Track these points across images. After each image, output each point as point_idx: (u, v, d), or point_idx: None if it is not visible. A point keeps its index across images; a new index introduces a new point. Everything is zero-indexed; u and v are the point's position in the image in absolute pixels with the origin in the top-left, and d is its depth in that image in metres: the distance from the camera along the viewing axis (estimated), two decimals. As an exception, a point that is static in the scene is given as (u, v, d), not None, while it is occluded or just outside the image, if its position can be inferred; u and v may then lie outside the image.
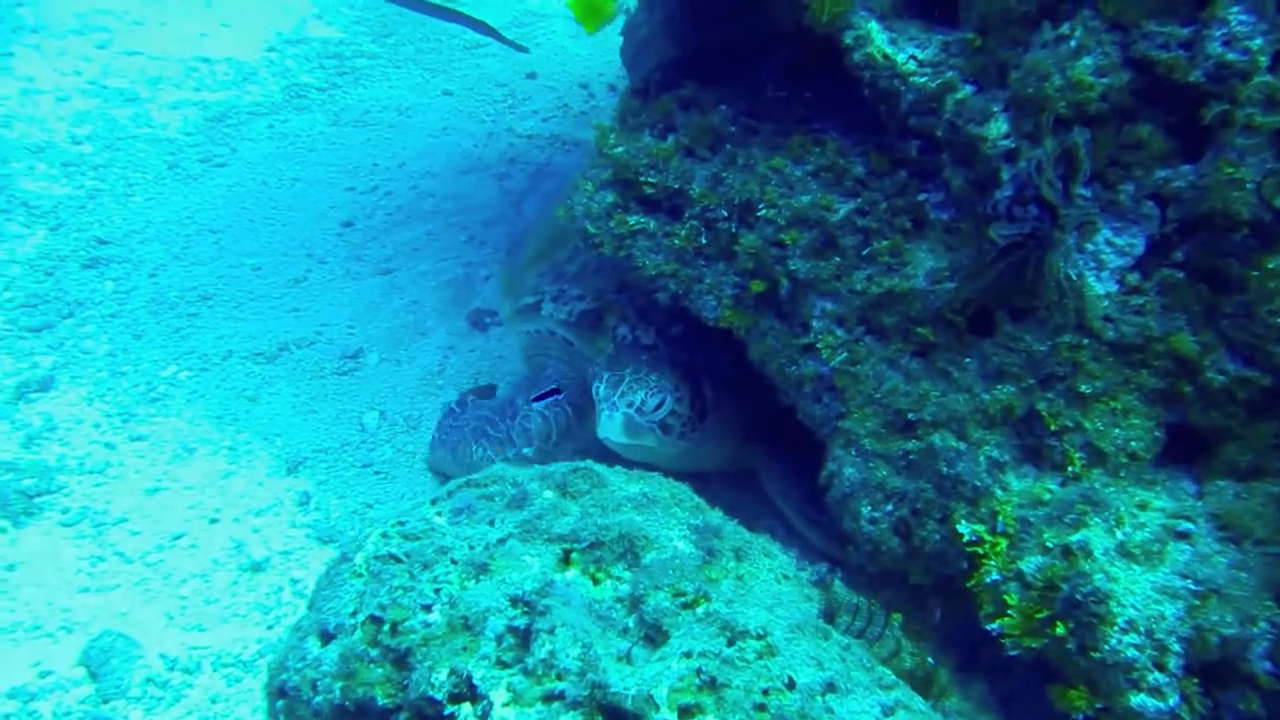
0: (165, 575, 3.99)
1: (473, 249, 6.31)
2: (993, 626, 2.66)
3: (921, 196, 3.10)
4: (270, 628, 3.81)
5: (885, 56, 2.96)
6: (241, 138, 7.52)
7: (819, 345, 3.26)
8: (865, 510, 3.04)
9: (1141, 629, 2.50)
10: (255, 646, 3.71)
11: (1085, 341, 2.80)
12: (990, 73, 2.84)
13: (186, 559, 4.07)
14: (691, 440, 3.92)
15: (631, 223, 3.66)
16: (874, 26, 2.97)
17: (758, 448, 4.17)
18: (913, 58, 2.94)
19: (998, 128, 2.80)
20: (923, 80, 2.92)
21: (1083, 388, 2.82)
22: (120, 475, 4.43)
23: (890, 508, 3.00)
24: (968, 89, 2.87)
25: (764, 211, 3.34)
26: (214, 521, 4.26)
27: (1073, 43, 2.61)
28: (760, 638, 2.46)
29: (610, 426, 3.80)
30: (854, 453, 3.13)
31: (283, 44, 8.96)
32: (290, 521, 4.30)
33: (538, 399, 4.41)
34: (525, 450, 4.36)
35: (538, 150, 7.63)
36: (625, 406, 3.79)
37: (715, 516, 2.98)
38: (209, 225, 6.42)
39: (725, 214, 3.48)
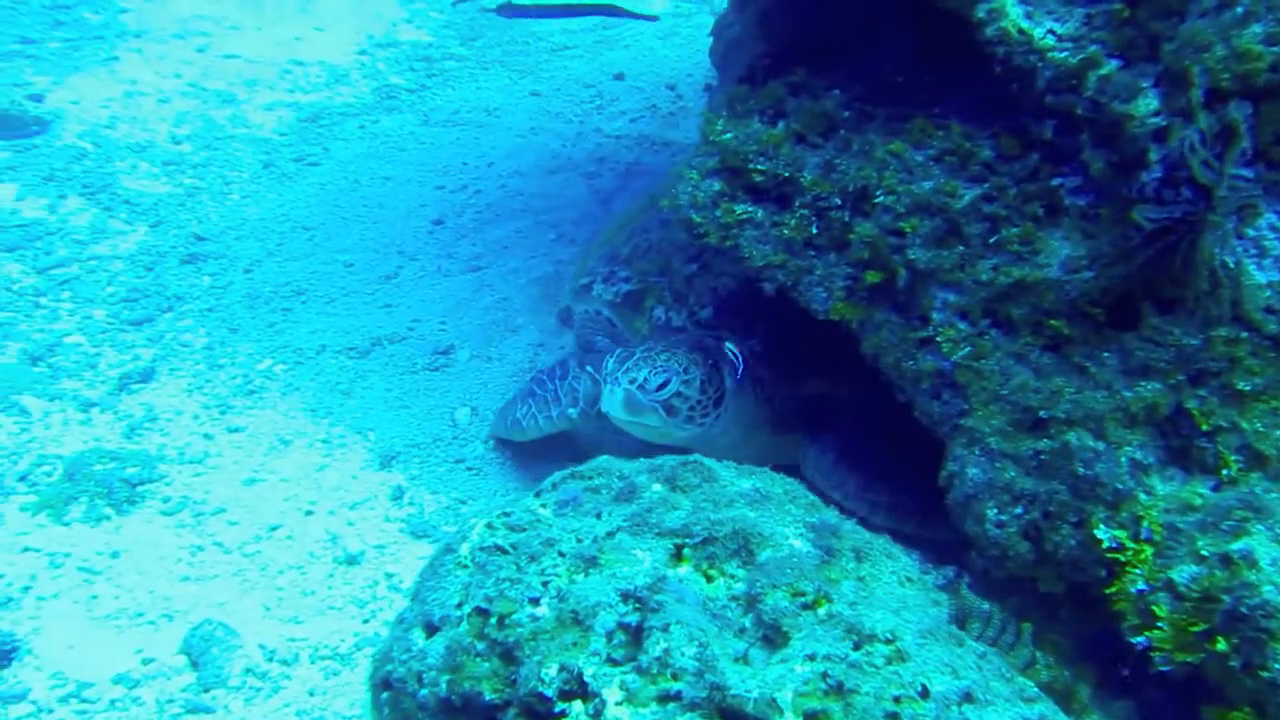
0: (262, 566, 3.96)
1: (561, 247, 6.25)
2: (1139, 639, 2.46)
3: (1056, 181, 2.93)
4: (366, 622, 3.75)
5: (1021, 31, 2.80)
6: (334, 137, 7.59)
7: (939, 339, 3.10)
8: (991, 513, 2.87)
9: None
10: (352, 640, 3.66)
11: (1244, 335, 2.60)
12: (1139, 46, 2.66)
13: (283, 550, 4.04)
14: (702, 426, 3.84)
15: (739, 211, 3.55)
16: (1009, 0, 2.81)
17: (801, 437, 4.09)
18: (1051, 32, 2.77)
19: (1146, 104, 2.62)
20: (1062, 55, 2.75)
21: (1240, 385, 2.61)
22: (219, 466, 4.43)
23: (1019, 510, 2.82)
24: (1113, 64, 2.69)
25: (881, 198, 3.20)
26: (309, 514, 4.23)
27: (1239, 9, 2.42)
28: (889, 642, 2.32)
29: (611, 401, 3.75)
30: (978, 452, 2.96)
31: (374, 47, 9.06)
32: (384, 516, 4.25)
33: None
34: (570, 410, 4.32)
35: (626, 150, 7.56)
36: (627, 383, 3.72)
37: (831, 515, 2.84)
38: (303, 222, 6.47)
39: (839, 202, 3.35)
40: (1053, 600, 2.85)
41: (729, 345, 4.09)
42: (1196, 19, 2.52)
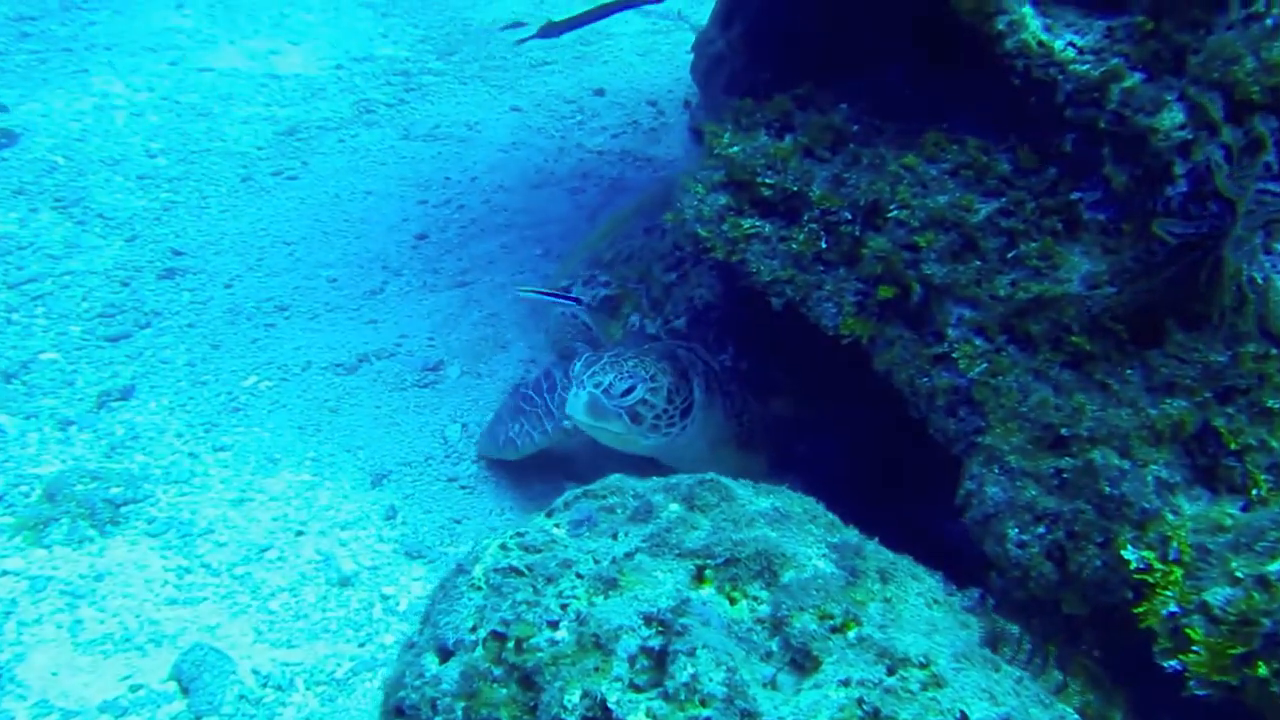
0: (253, 589, 3.84)
1: (549, 262, 6.18)
2: (1171, 663, 2.41)
3: (1075, 195, 2.90)
4: (362, 645, 3.65)
5: (1041, 44, 2.78)
6: (313, 151, 7.48)
7: (955, 355, 3.06)
8: (1012, 532, 2.82)
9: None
10: (348, 664, 3.55)
11: (1273, 351, 2.58)
12: (1163, 59, 2.64)
13: (274, 572, 3.92)
14: (667, 435, 3.80)
15: (746, 226, 3.49)
16: (1028, 11, 2.79)
17: (766, 465, 4.08)
18: (1071, 44, 2.75)
19: (1171, 118, 2.60)
20: (1084, 68, 2.73)
21: (1270, 403, 2.58)
22: (205, 485, 4.30)
23: (1042, 530, 2.78)
24: (1136, 76, 2.67)
25: (895, 213, 3.16)
26: (300, 534, 4.12)
27: (1270, 21, 2.42)
28: (923, 666, 2.26)
29: (575, 404, 3.70)
30: (997, 470, 2.91)
31: (350, 61, 8.97)
32: (377, 536, 4.15)
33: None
34: (565, 423, 4.23)
35: (609, 166, 7.52)
36: (593, 386, 3.67)
37: (852, 534, 2.79)
38: (283, 237, 6.35)
39: (849, 216, 3.30)
40: (1075, 622, 2.80)
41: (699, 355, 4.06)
42: (1224, 31, 2.50)
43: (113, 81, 8.08)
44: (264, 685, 3.46)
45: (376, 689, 3.49)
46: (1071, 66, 2.76)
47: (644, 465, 4.30)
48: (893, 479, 3.92)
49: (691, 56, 7.77)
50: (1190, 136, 2.57)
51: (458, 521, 4.26)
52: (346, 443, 4.64)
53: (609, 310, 4.40)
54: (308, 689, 3.47)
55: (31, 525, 4.00)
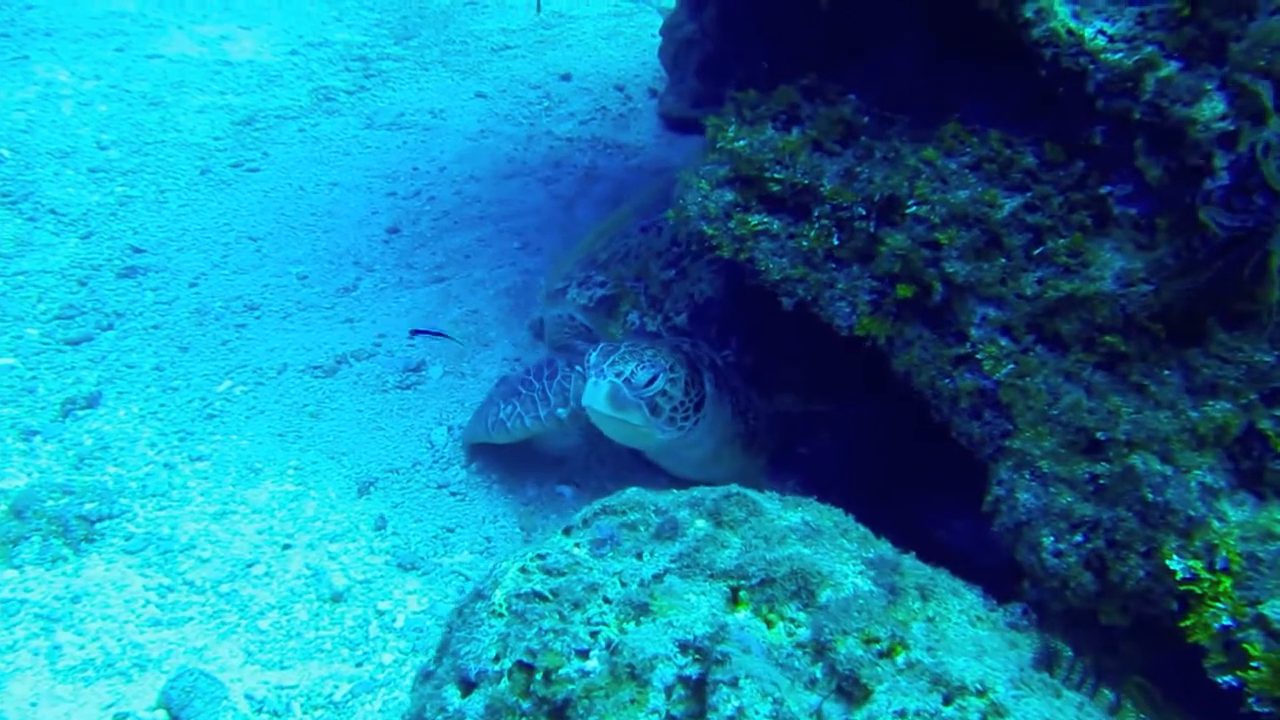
0: (241, 607, 3.66)
1: (527, 256, 6.02)
2: (1225, 679, 2.34)
3: (1105, 189, 2.81)
4: (359, 665, 3.49)
5: (1070, 32, 2.67)
6: (273, 142, 7.22)
7: (979, 356, 2.97)
8: (1048, 541, 2.73)
9: None
10: (346, 686, 3.39)
11: (1325, 351, 2.51)
12: (1202, 46, 2.55)
13: (262, 589, 3.74)
14: (682, 430, 3.69)
15: (753, 223, 3.37)
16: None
17: (765, 466, 4.03)
18: (1101, 32, 2.65)
19: (1212, 108, 2.51)
20: (1116, 57, 2.63)
21: (1319, 404, 2.52)
22: (184, 498, 4.09)
23: (1079, 538, 2.69)
24: (1173, 65, 2.58)
25: (914, 209, 3.05)
26: (287, 548, 3.93)
27: (1323, 9, 2.33)
28: (981, 694, 2.16)
29: (595, 395, 3.55)
30: (1028, 476, 2.82)
31: (304, 47, 8.70)
32: (368, 547, 3.98)
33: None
34: (560, 411, 4.12)
35: (580, 154, 7.36)
36: (614, 376, 3.55)
37: (886, 548, 2.69)
38: (248, 232, 6.12)
39: (863, 212, 3.19)
40: (1114, 634, 2.72)
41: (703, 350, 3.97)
42: (1268, 16, 2.41)
43: (57, 69, 7.74)
44: (258, 711, 3.29)
45: (378, 712, 3.34)
46: (1103, 55, 2.66)
47: (640, 470, 4.19)
48: (899, 478, 3.83)
49: (659, 40, 7.65)
50: (1233, 127, 2.48)
51: (450, 530, 4.10)
52: (330, 449, 4.45)
53: (606, 310, 4.27)
54: (305, 714, 3.31)
55: (-1, 545, 3.79)
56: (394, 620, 3.65)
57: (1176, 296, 2.60)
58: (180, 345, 5.06)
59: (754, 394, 4.00)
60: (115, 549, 3.83)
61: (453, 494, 4.30)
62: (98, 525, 3.88)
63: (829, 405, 4.09)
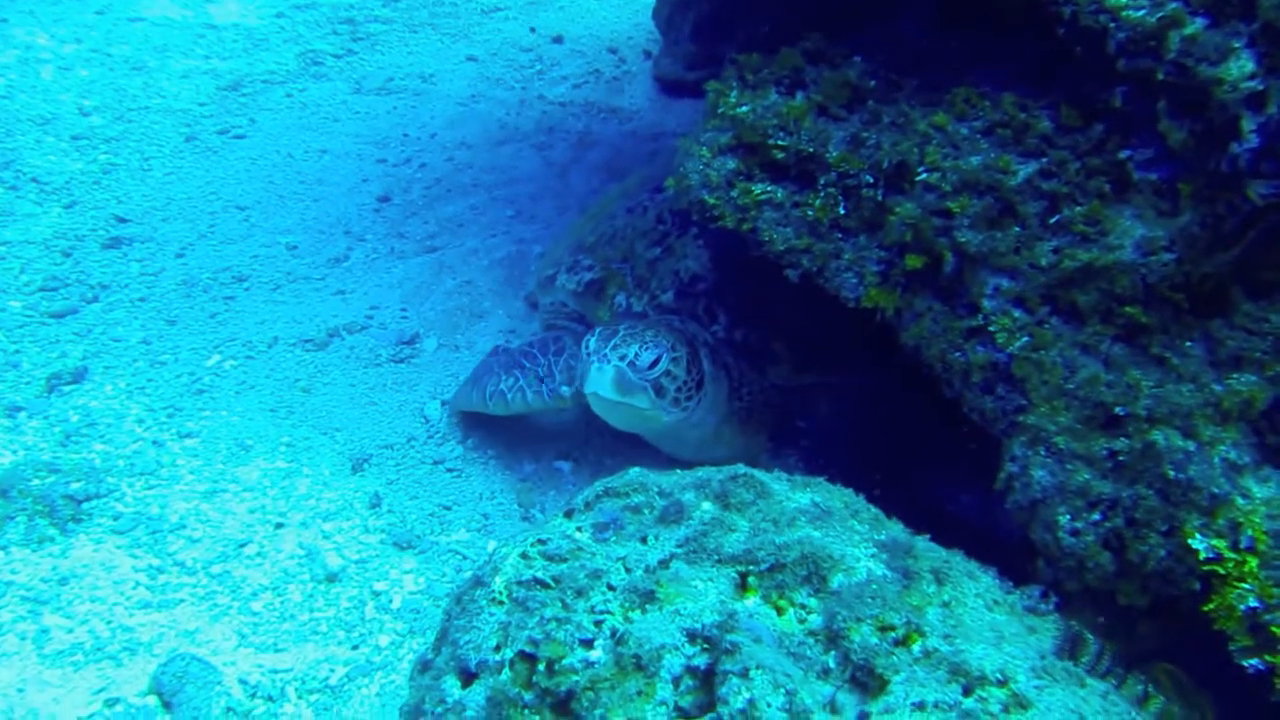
0: (233, 588, 3.58)
1: (521, 224, 5.89)
2: (1251, 662, 2.27)
3: (1124, 154, 2.70)
4: (356, 647, 3.41)
5: (1092, -8, 2.55)
6: (259, 108, 7.05)
7: (992, 328, 2.87)
8: (1064, 519, 2.65)
9: None
10: (342, 670, 3.32)
11: (1356, 322, 2.42)
12: (1230, 2, 2.42)
13: (254, 569, 3.66)
14: (685, 410, 3.63)
15: (757, 192, 3.26)
16: (1078, -43, 2.56)
17: (764, 443, 3.98)
18: (1124, -9, 2.53)
19: (1240, 67, 2.39)
20: (1139, 14, 2.51)
21: (1350, 377, 2.44)
22: (173, 476, 3.99)
23: (1097, 517, 2.61)
24: (1199, 22, 2.46)
25: (924, 176, 2.95)
26: (280, 527, 3.84)
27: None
28: (1002, 684, 2.08)
29: (599, 380, 3.47)
30: (1043, 452, 2.74)
31: (290, 9, 8.48)
32: (363, 526, 3.90)
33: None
34: (564, 389, 4.04)
35: (574, 119, 7.20)
36: (618, 359, 3.48)
37: (898, 529, 2.60)
38: (235, 201, 5.97)
39: (870, 180, 3.09)
40: (1130, 615, 2.65)
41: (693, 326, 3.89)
42: (1303, -26, 2.30)
43: (36, 32, 7.54)
44: (253, 696, 3.22)
45: (374, 695, 3.27)
46: (1125, 13, 2.54)
47: (638, 444, 4.10)
48: (902, 451, 3.76)
49: (652, 1, 7.47)
50: (1261, 87, 2.37)
51: (447, 508, 4.02)
52: (322, 425, 4.35)
53: (594, 294, 4.17)
54: (300, 698, 3.23)
55: (-17, 526, 3.69)
56: (390, 601, 3.58)
57: (1211, 265, 2.49)
58: (168, 318, 4.94)
59: (747, 367, 3.92)
60: (103, 529, 3.74)
61: (449, 470, 4.22)
62: (85, 505, 3.78)
63: (823, 377, 4.01)
